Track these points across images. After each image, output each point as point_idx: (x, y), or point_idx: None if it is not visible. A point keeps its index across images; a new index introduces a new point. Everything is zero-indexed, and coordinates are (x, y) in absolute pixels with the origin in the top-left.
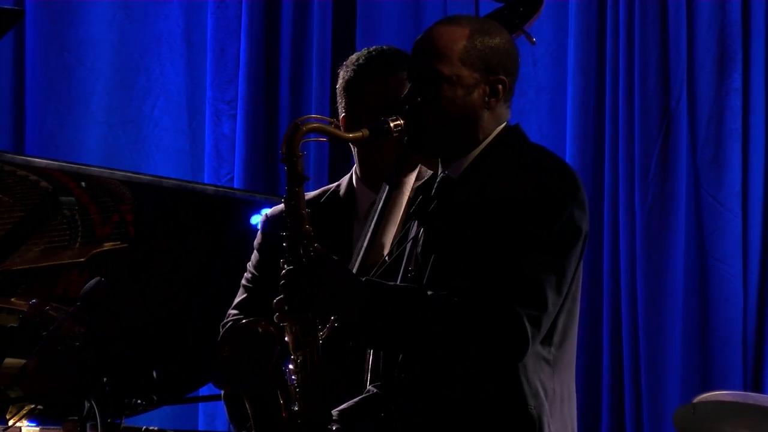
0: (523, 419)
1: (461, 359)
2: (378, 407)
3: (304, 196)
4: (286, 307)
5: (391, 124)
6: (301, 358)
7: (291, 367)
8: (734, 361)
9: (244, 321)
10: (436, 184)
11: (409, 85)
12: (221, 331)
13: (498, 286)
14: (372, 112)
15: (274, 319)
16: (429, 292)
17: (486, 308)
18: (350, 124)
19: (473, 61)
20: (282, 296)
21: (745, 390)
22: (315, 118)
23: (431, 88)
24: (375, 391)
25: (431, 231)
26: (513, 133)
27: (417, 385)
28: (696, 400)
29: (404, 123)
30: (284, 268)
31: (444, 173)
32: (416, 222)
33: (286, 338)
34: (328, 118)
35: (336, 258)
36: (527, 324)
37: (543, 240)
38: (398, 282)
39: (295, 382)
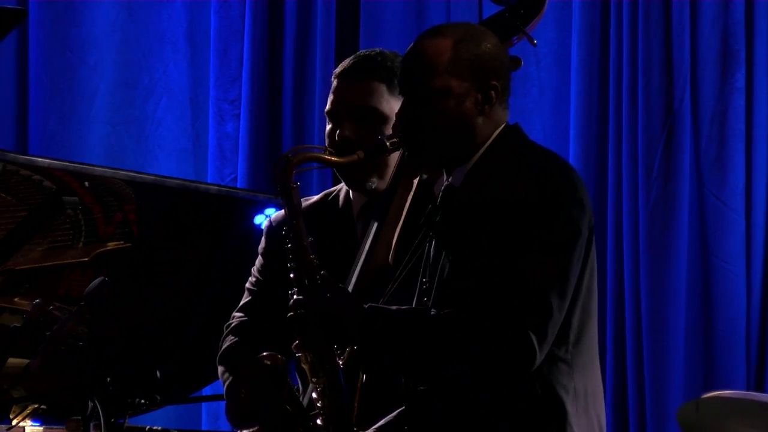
0: (536, 423)
1: (471, 377)
2: (404, 422)
3: (304, 227)
4: (299, 340)
5: (387, 143)
6: (321, 385)
7: (314, 395)
8: (737, 360)
9: (255, 358)
10: (440, 194)
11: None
12: (224, 332)
13: (499, 297)
14: (328, 114)
15: (293, 348)
16: (433, 312)
17: (489, 324)
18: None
19: (461, 71)
20: (294, 329)
21: (747, 389)
22: (306, 148)
23: (422, 102)
24: None
25: (440, 241)
26: (511, 133)
27: (435, 397)
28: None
29: (400, 139)
30: (292, 299)
31: (447, 182)
32: (425, 230)
33: (303, 366)
34: (321, 146)
35: (342, 287)
36: (532, 335)
37: (542, 244)
38: (416, 292)
39: (319, 409)
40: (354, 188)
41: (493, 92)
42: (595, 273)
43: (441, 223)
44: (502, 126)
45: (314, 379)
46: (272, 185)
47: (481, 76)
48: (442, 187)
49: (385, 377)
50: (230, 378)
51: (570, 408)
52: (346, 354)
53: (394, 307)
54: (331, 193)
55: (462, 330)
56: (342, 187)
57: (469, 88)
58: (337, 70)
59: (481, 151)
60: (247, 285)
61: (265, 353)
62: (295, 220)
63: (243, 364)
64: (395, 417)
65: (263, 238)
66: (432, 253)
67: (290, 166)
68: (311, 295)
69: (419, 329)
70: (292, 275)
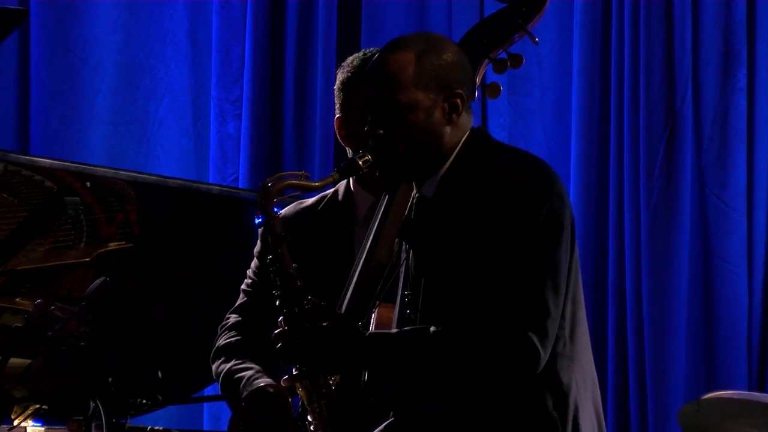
0: (544, 421)
1: (478, 387)
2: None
3: (288, 254)
4: (294, 371)
5: (360, 161)
6: (318, 409)
7: (309, 419)
8: (739, 360)
9: (254, 388)
10: (413, 206)
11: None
12: (219, 332)
13: (496, 304)
14: (365, 114)
15: (282, 383)
16: (432, 329)
17: (489, 332)
18: (344, 125)
19: (426, 83)
20: (285, 356)
21: (749, 389)
22: (283, 176)
23: (391, 118)
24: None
25: (418, 253)
26: (477, 138)
27: (429, 409)
28: (701, 398)
29: (372, 157)
30: (281, 327)
31: (419, 193)
32: (404, 244)
33: (299, 392)
34: (298, 173)
35: (336, 312)
36: (534, 336)
37: (529, 243)
38: (397, 306)
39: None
40: (373, 181)
41: (458, 100)
42: (579, 263)
43: (419, 236)
44: (468, 132)
45: (312, 405)
46: (255, 214)
47: (446, 85)
48: (414, 200)
49: (387, 397)
50: (224, 371)
51: (576, 402)
52: (338, 377)
53: (394, 331)
54: (326, 196)
55: (464, 343)
56: (337, 189)
57: (436, 99)
58: (365, 70)
59: (451, 159)
60: (243, 286)
61: (269, 382)
62: (279, 250)
63: (245, 391)
64: (383, 429)
65: (258, 241)
66: (412, 266)
67: (270, 195)
68: (308, 324)
69: (423, 349)
70: (278, 303)
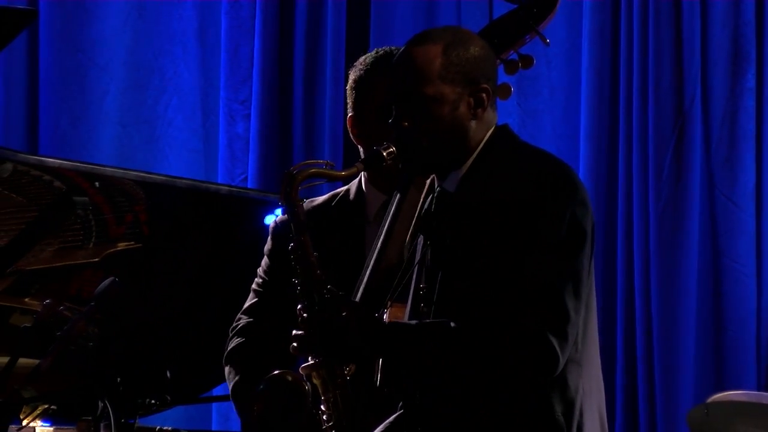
0: (551, 426)
1: (494, 386)
2: (405, 428)
3: (310, 242)
4: (311, 359)
5: (384, 153)
6: (332, 399)
7: (323, 408)
8: (748, 360)
9: (273, 373)
10: (434, 200)
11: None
12: (230, 335)
13: (516, 304)
14: (378, 112)
15: (300, 371)
16: (452, 324)
17: (510, 334)
18: (357, 123)
19: (453, 77)
20: (303, 345)
21: (758, 389)
22: (309, 164)
23: (417, 110)
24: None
25: (437, 247)
26: (502, 135)
27: (440, 402)
28: (709, 400)
29: (396, 149)
30: (301, 316)
31: (440, 187)
32: (422, 238)
33: (314, 381)
34: (322, 161)
35: (355, 302)
36: (553, 339)
37: (552, 247)
38: (410, 298)
39: (328, 422)
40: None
41: (484, 95)
42: (594, 270)
43: (438, 230)
44: (493, 128)
45: (327, 394)
46: (279, 201)
47: (472, 79)
48: (435, 193)
49: (401, 389)
50: (237, 378)
51: (581, 409)
52: (352, 367)
53: (413, 322)
54: (338, 194)
55: (485, 340)
56: (349, 188)
57: (462, 93)
58: (386, 64)
59: (475, 154)
60: (253, 286)
61: (288, 371)
62: (302, 237)
63: (261, 376)
64: (392, 423)
65: (269, 239)
66: (429, 259)
67: (296, 182)
68: (325, 313)
69: (440, 342)
70: (298, 290)
